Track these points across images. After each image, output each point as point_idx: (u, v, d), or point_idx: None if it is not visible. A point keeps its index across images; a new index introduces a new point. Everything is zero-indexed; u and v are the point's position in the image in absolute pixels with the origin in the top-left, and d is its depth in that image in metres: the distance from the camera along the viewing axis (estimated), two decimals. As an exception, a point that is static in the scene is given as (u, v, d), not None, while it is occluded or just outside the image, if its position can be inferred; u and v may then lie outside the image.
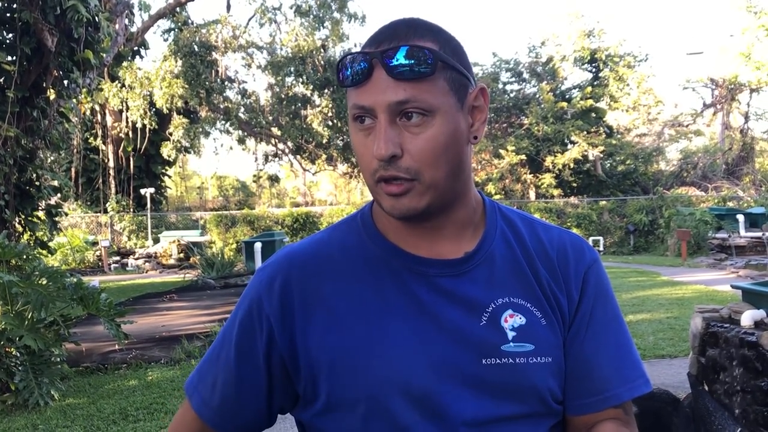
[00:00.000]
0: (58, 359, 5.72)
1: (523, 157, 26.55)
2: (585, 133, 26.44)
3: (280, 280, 0.97)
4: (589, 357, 0.98)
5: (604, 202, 25.03)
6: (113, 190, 26.96)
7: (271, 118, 27.47)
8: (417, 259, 0.97)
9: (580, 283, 1.01)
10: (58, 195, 9.81)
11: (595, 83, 28.61)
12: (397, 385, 0.90)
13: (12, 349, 5.29)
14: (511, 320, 0.95)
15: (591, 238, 21.91)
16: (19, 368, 5.22)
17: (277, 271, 0.99)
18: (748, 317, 4.02)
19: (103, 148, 26.98)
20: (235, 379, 0.98)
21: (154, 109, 26.04)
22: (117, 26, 13.18)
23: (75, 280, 5.92)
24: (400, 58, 0.86)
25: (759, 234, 16.35)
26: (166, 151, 26.99)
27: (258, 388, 0.98)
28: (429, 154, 0.88)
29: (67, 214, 14.80)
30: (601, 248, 22.27)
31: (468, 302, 0.95)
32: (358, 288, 0.96)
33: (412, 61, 0.86)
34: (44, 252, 9.13)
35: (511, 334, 0.94)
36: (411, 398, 0.89)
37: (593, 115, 27.73)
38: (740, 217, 17.47)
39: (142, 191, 25.02)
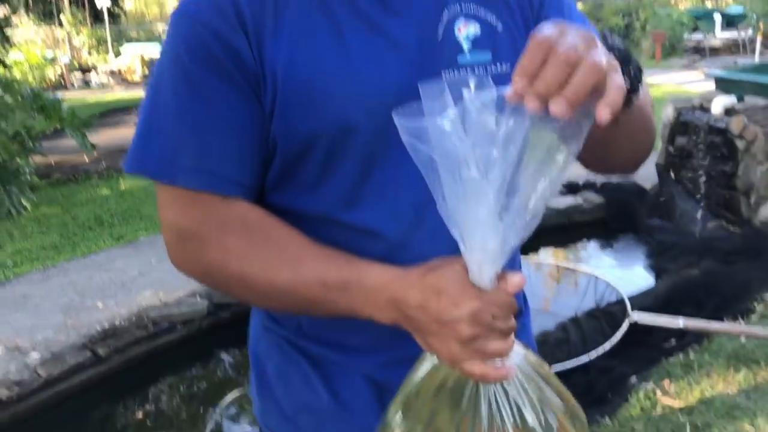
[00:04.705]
0: (26, 170, 5.67)
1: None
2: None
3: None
4: None
5: (579, 5, 24.33)
6: (67, 1, 25.45)
7: None
8: None
9: None
10: (6, 5, 9.24)
11: None
12: (365, 111, 0.80)
13: (-24, 162, 5.21)
14: (465, 30, 0.85)
15: (566, 44, 21.50)
16: (-14, 179, 5.18)
17: None
18: (718, 104, 4.01)
19: (51, -45, 25.11)
20: (230, 124, 0.79)
21: None
22: None
23: (33, 90, 5.74)
24: None
25: (735, 35, 16.08)
26: (120, -42, 25.27)
27: (256, 118, 0.81)
28: None
29: (16, 26, 14.08)
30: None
31: (418, 16, 0.83)
32: (304, 5, 0.81)
33: None
34: (-1, 67, 8.76)
35: (466, 45, 0.85)
36: (375, 128, 0.80)
37: None
38: (717, 16, 17.04)
39: (98, 3, 23.68)
